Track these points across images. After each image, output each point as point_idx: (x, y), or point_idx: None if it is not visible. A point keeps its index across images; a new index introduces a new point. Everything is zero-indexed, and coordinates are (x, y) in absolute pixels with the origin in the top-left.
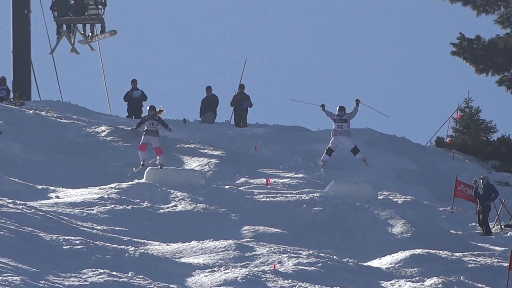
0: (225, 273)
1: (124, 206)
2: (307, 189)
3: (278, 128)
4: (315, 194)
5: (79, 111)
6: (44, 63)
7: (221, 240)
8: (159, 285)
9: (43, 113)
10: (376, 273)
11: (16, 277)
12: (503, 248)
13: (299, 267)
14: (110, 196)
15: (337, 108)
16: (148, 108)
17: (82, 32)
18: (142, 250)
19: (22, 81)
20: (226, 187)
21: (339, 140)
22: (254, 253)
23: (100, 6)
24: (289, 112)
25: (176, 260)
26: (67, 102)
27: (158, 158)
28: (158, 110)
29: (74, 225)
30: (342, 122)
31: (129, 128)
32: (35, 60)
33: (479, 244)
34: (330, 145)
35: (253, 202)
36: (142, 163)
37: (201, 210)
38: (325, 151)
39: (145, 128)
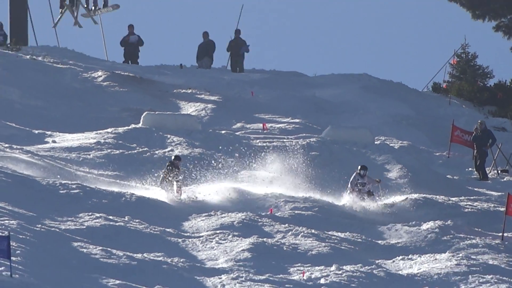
0: (222, 217)
1: (120, 150)
2: (304, 134)
3: (274, 74)
4: (311, 139)
5: (75, 57)
6: (47, 36)
7: (218, 184)
8: (155, 229)
9: (39, 58)
10: (373, 217)
11: (12, 221)
12: (499, 193)
13: (296, 211)
14: (106, 140)
15: (359, 167)
16: (173, 158)
17: (85, 5)
18: (138, 195)
19: (19, 27)
20: (223, 132)
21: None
22: (250, 197)
23: None
24: (286, 58)
25: (173, 204)
26: (63, 47)
27: (179, 192)
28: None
29: (71, 170)
30: (362, 186)
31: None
32: (37, 32)
33: (475, 189)
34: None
35: (250, 146)
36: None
37: (197, 154)
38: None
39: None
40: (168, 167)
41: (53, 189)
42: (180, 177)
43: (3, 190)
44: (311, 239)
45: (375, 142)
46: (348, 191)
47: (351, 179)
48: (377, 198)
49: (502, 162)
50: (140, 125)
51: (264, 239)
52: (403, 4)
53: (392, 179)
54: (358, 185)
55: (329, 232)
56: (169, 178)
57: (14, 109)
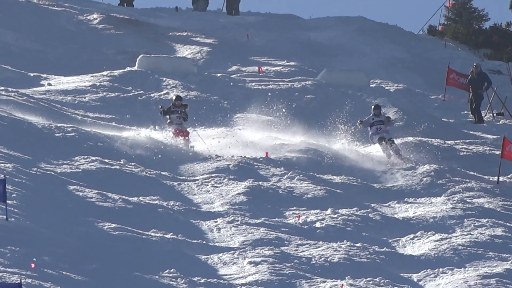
0: (217, 160)
1: (116, 93)
2: (299, 77)
3: (270, 16)
4: (307, 82)
5: None
6: None
7: (214, 128)
8: (151, 172)
9: (35, 0)
10: (368, 160)
11: (8, 164)
12: (495, 136)
13: (291, 154)
14: (102, 83)
15: (372, 107)
16: (174, 97)
17: None
18: (134, 138)
19: None
20: (218, 75)
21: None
22: (246, 140)
23: None
24: (281, 0)
25: (168, 148)
26: None
27: (186, 138)
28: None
29: (66, 113)
30: (380, 124)
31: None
32: None
33: (471, 132)
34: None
35: (245, 90)
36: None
37: (193, 97)
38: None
39: (169, 121)
40: (171, 107)
41: (49, 132)
42: (182, 119)
43: None
44: (306, 182)
45: (371, 85)
46: (370, 135)
47: (365, 119)
48: (403, 154)
49: (498, 105)
50: (135, 68)
51: (260, 183)
52: None
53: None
54: (375, 123)
55: (325, 176)
56: (172, 114)
57: (9, 52)
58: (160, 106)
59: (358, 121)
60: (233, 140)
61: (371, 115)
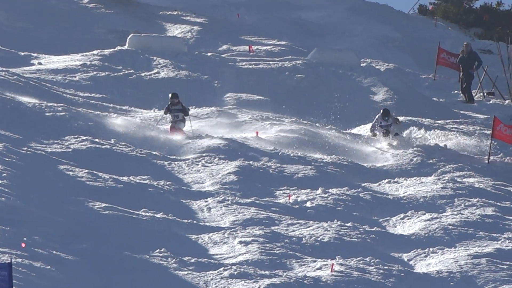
0: (208, 140)
1: (106, 73)
2: (290, 56)
3: None
4: (297, 62)
5: None
6: None
7: (204, 107)
8: (141, 151)
9: None
10: (358, 139)
11: None
12: (485, 116)
13: (282, 134)
14: (92, 63)
15: (381, 111)
16: (170, 95)
17: None
18: (124, 117)
19: None
20: (209, 54)
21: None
22: (236, 120)
23: None
24: None
25: (159, 127)
26: None
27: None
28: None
29: (57, 92)
30: (387, 127)
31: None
32: None
33: (461, 112)
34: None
35: (236, 69)
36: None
37: (183, 77)
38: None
39: (169, 119)
40: (169, 105)
41: (39, 112)
42: (174, 115)
43: None
44: (297, 162)
45: (361, 65)
46: (370, 131)
47: (373, 122)
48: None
49: (488, 84)
50: (126, 47)
51: (250, 162)
52: None
53: (378, 102)
54: (382, 128)
55: (315, 155)
56: (170, 113)
57: (0, 31)
58: (163, 113)
59: (371, 133)
60: (223, 119)
61: (377, 117)
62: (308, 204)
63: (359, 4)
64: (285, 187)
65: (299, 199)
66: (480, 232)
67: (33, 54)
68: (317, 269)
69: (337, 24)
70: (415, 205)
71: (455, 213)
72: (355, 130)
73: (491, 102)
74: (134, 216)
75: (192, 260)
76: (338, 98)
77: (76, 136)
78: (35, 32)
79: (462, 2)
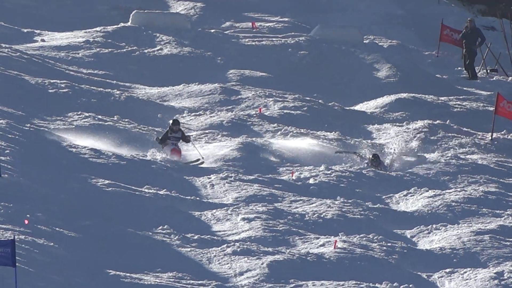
0: (211, 116)
1: (109, 49)
2: (293, 33)
3: None
4: (300, 38)
5: None
6: None
7: (207, 84)
8: (144, 128)
9: None
10: (362, 117)
11: (1, 121)
12: (488, 93)
13: (285, 111)
14: (95, 39)
15: (371, 156)
16: (171, 122)
17: None
18: (127, 94)
19: None
20: (212, 30)
21: None
22: (239, 96)
23: None
24: None
25: (162, 103)
26: None
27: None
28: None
29: (60, 69)
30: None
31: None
32: None
33: (464, 89)
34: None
35: (239, 46)
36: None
37: (186, 53)
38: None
39: (168, 142)
40: (168, 132)
41: (42, 88)
42: (178, 142)
43: None
44: (300, 138)
45: (364, 41)
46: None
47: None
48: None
49: (491, 61)
50: (129, 23)
51: (253, 139)
52: None
53: (381, 79)
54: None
55: (318, 132)
56: (169, 140)
57: (2, 7)
58: (155, 138)
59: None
60: (226, 96)
61: (367, 161)
62: (311, 181)
63: None
64: (288, 164)
65: (302, 176)
66: (483, 209)
67: (36, 31)
68: (320, 246)
69: (340, 1)
70: (418, 182)
71: (458, 189)
72: (358, 107)
73: (494, 78)
74: (137, 193)
75: (195, 237)
76: (341, 75)
77: (79, 113)
78: (38, 9)
79: None
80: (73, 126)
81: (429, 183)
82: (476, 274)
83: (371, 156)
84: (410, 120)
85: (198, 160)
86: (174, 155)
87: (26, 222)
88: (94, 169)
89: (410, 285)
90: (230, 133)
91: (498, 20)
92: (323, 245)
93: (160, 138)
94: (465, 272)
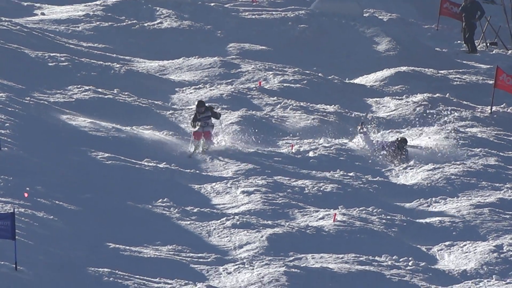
0: (210, 90)
1: (109, 23)
2: (293, 7)
3: None
4: (300, 12)
5: None
6: None
7: (207, 57)
8: (144, 101)
9: None
10: (361, 90)
11: (1, 94)
12: (488, 66)
13: (284, 84)
14: (95, 13)
15: (398, 138)
16: (196, 104)
17: None
18: (127, 67)
19: None
20: (212, 4)
21: None
22: (239, 70)
23: None
24: None
25: (162, 77)
26: None
27: (205, 140)
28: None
29: (60, 42)
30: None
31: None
32: None
33: (464, 62)
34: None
35: (239, 19)
36: (191, 152)
37: (186, 27)
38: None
39: (199, 124)
40: (196, 114)
41: (42, 62)
42: (204, 122)
43: None
44: (299, 112)
45: (364, 15)
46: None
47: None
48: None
49: (491, 34)
50: None
51: (253, 112)
52: None
53: (381, 52)
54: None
55: (318, 105)
56: (199, 121)
57: None
58: (190, 124)
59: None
60: (226, 69)
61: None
62: (311, 154)
63: None
64: (287, 137)
65: (301, 149)
66: (483, 182)
67: (36, 4)
68: (320, 219)
69: None
70: (418, 155)
71: (458, 163)
72: (357, 80)
73: (494, 52)
74: (137, 166)
75: (195, 210)
76: (340, 48)
77: (79, 86)
78: None
79: None
80: (73, 100)
81: (428, 156)
82: (475, 247)
83: (398, 138)
84: (409, 93)
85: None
86: (196, 139)
87: (26, 195)
88: (94, 142)
89: (410, 258)
90: (230, 106)
91: None
92: (322, 218)
93: (192, 122)
94: (465, 245)
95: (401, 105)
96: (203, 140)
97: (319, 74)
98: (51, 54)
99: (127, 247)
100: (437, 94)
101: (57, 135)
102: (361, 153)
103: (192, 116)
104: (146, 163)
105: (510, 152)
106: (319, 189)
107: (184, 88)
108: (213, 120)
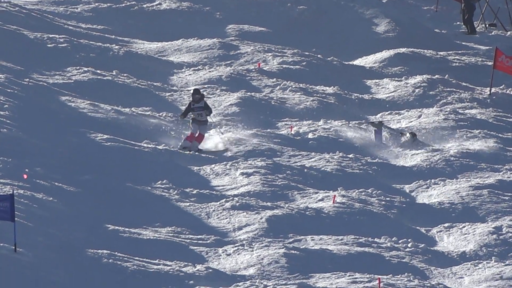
0: (210, 71)
1: (108, 4)
2: None
3: None
4: None
5: None
6: None
7: (206, 39)
8: (143, 83)
9: None
10: (361, 71)
11: (0, 75)
12: (487, 47)
13: (284, 65)
14: None
15: (409, 134)
16: (191, 91)
17: None
18: (126, 49)
19: None
20: None
21: None
22: (238, 51)
23: None
24: None
25: (161, 58)
26: None
27: (196, 142)
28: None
29: (59, 23)
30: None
31: (176, 115)
32: None
33: (463, 43)
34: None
35: (238, 0)
36: (182, 148)
37: (185, 8)
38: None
39: (192, 116)
40: (190, 103)
41: (41, 43)
42: (197, 114)
43: None
44: (299, 93)
45: None
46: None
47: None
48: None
49: (490, 16)
50: None
51: (252, 94)
52: None
53: (380, 33)
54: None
55: (317, 87)
56: (192, 112)
57: None
58: (179, 116)
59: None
60: (225, 50)
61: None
62: (310, 135)
63: None
64: (287, 119)
65: (301, 131)
66: (482, 164)
67: None
68: (319, 200)
69: None
70: (418, 137)
71: (457, 144)
72: (357, 62)
73: (493, 33)
74: (136, 147)
75: (194, 192)
76: (340, 30)
77: (77, 67)
78: None
79: None
80: (72, 81)
81: (427, 137)
82: (474, 228)
83: (409, 134)
84: (409, 75)
85: (225, 149)
86: (194, 142)
87: (25, 176)
88: (93, 124)
89: (409, 240)
90: (229, 87)
91: None
92: (322, 199)
93: (181, 114)
94: (464, 227)
95: (400, 86)
96: (194, 142)
97: (318, 56)
98: (50, 36)
99: (126, 229)
100: (436, 76)
101: (56, 116)
102: (360, 135)
103: (185, 107)
104: (145, 145)
105: (509, 134)
106: (319, 171)
107: (183, 70)
108: (208, 118)
